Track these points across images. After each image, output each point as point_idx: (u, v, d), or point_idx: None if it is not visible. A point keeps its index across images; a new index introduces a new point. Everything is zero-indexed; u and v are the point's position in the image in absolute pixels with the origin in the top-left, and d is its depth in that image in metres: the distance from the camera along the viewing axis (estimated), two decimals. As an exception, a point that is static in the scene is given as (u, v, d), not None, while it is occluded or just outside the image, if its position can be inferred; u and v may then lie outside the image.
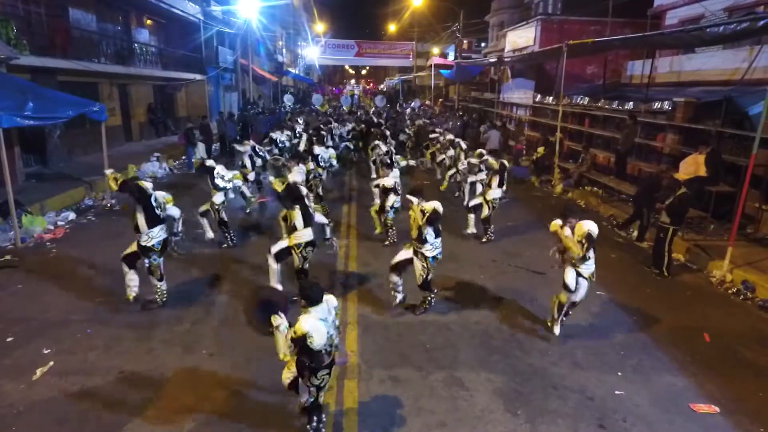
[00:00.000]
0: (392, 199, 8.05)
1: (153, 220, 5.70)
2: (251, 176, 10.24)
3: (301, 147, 11.87)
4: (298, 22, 44.01)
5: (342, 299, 6.35)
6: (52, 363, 4.82)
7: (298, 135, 15.00)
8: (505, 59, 22.30)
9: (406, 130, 19.11)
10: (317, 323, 3.47)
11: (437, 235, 5.72)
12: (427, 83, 37.22)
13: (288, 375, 3.73)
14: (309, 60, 49.00)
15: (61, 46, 13.43)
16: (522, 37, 23.27)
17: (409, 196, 5.81)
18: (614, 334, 5.68)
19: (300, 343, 3.40)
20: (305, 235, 5.84)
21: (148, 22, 20.26)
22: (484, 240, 8.71)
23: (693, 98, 10.71)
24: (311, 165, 9.69)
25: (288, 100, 30.94)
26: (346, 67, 73.49)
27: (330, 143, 14.35)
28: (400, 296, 5.98)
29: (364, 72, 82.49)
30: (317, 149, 10.17)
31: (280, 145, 13.15)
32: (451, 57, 39.68)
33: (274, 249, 5.97)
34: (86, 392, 4.42)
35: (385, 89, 52.51)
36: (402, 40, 48.55)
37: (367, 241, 8.59)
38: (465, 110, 26.66)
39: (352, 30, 57.36)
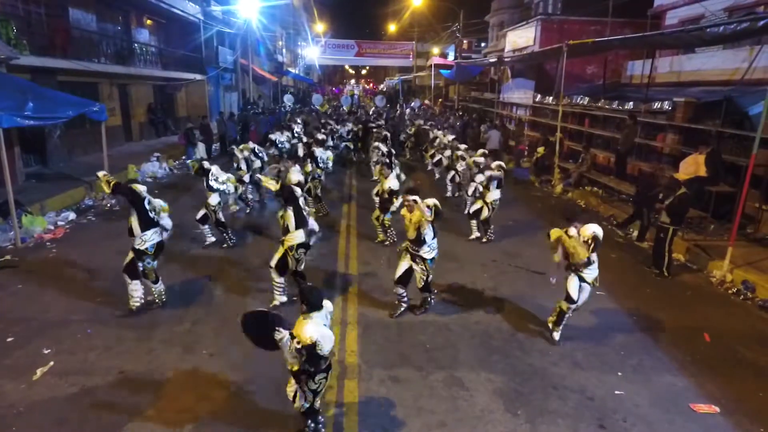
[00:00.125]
0: (399, 202, 7.98)
1: (147, 223, 5.65)
2: (246, 178, 10.26)
3: (300, 152, 11.83)
4: (298, 22, 44.00)
5: (342, 299, 6.36)
6: (52, 363, 4.82)
7: (296, 135, 15.00)
8: (505, 59, 22.31)
9: (407, 131, 19.13)
10: (323, 329, 3.47)
11: (435, 235, 5.71)
12: (427, 83, 37.20)
13: (292, 388, 3.73)
14: (309, 60, 48.99)
15: (61, 46, 13.43)
16: (522, 37, 23.28)
17: (410, 196, 5.69)
18: (614, 335, 5.68)
19: (309, 351, 3.38)
20: (297, 236, 5.83)
21: (148, 22, 20.26)
22: (484, 240, 8.71)
23: (693, 98, 10.71)
24: (309, 167, 9.70)
25: (288, 100, 30.94)
26: (346, 67, 73.50)
27: (330, 143, 14.38)
28: (404, 307, 5.95)
29: (364, 72, 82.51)
30: (316, 150, 10.17)
31: (279, 145, 13.16)
32: (451, 57, 39.67)
33: (273, 262, 5.93)
34: (86, 392, 4.42)
35: (385, 89, 52.49)
36: (402, 40, 48.53)
37: (367, 241, 8.59)
38: (465, 110, 26.66)
39: (352, 30, 57.48)
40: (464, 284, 6.94)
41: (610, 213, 10.59)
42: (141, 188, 5.73)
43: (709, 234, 8.74)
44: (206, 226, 8.12)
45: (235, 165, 10.40)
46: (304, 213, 6.02)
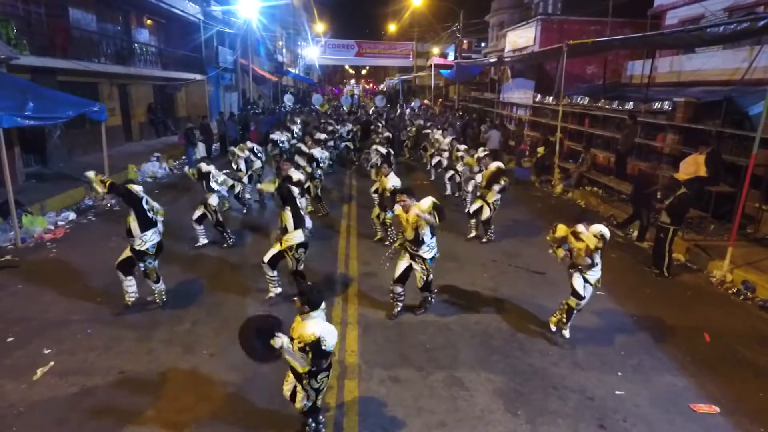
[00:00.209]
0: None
1: (146, 224, 5.62)
2: (246, 178, 10.25)
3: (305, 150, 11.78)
4: (298, 22, 44.01)
5: (342, 299, 6.37)
6: (52, 363, 4.82)
7: (295, 136, 14.98)
8: (505, 59, 22.30)
9: (407, 130, 19.15)
10: (324, 325, 3.48)
11: (433, 234, 5.69)
12: (427, 83, 37.18)
13: (288, 387, 3.73)
14: (309, 60, 48.99)
15: (61, 46, 13.43)
16: (522, 37, 23.27)
17: (405, 196, 5.65)
18: (614, 335, 5.68)
19: (314, 347, 3.37)
20: (296, 236, 5.84)
21: (148, 22, 20.27)
22: (484, 240, 8.71)
23: (693, 98, 10.71)
24: (309, 168, 9.70)
25: (288, 100, 30.94)
26: (346, 67, 73.50)
27: (330, 143, 14.39)
28: (400, 306, 5.95)
29: (364, 72, 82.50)
30: (316, 152, 10.16)
31: (280, 145, 13.16)
32: (451, 57, 39.65)
33: (267, 257, 5.96)
34: (86, 392, 4.42)
35: (385, 89, 52.49)
36: (402, 40, 48.53)
37: (367, 240, 8.59)
38: (465, 110, 26.67)
39: (352, 30, 57.47)
40: (464, 284, 6.94)
41: (610, 213, 10.59)
42: (137, 188, 5.70)
43: (709, 234, 8.74)
44: (201, 227, 8.11)
45: (235, 166, 10.39)
46: (302, 212, 6.03)
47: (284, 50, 41.49)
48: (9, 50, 10.45)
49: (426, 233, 5.56)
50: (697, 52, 14.02)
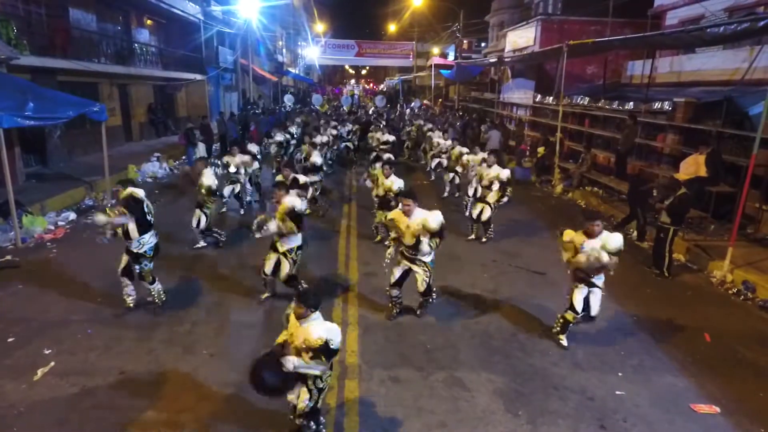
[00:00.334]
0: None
1: (144, 226, 5.62)
2: (243, 179, 10.24)
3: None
4: (298, 22, 43.99)
5: (342, 299, 6.36)
6: (53, 363, 4.82)
7: (294, 136, 14.93)
8: (505, 59, 22.31)
9: (406, 129, 19.15)
10: (327, 324, 3.48)
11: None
12: (427, 83, 37.20)
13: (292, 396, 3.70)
14: (309, 60, 48.97)
15: (61, 46, 13.43)
16: (522, 37, 23.27)
17: (409, 200, 5.45)
18: (615, 335, 5.68)
19: (324, 350, 3.36)
20: (296, 239, 5.86)
21: (148, 22, 20.26)
22: (484, 240, 8.71)
23: (693, 98, 10.71)
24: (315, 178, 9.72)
25: (288, 100, 30.95)
26: (346, 67, 73.47)
27: (330, 144, 14.39)
28: (398, 308, 5.93)
29: (364, 72, 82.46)
30: (315, 158, 10.11)
31: (284, 145, 13.15)
32: (451, 57, 39.66)
33: (269, 269, 5.91)
34: (87, 393, 4.42)
35: (385, 89, 52.50)
36: (402, 40, 48.51)
37: (367, 241, 8.59)
38: (465, 110, 26.66)
39: (352, 30, 57.42)
40: (464, 284, 6.94)
41: (610, 213, 10.59)
42: (140, 193, 5.67)
43: (710, 234, 8.74)
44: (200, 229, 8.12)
45: (233, 169, 10.33)
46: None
47: (284, 50, 41.49)
48: (9, 50, 10.45)
49: (425, 240, 5.42)
50: (698, 53, 14.02)
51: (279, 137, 13.30)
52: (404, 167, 15.42)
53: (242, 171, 10.28)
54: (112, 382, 4.57)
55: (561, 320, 5.37)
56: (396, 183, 7.76)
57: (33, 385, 4.51)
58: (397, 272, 5.72)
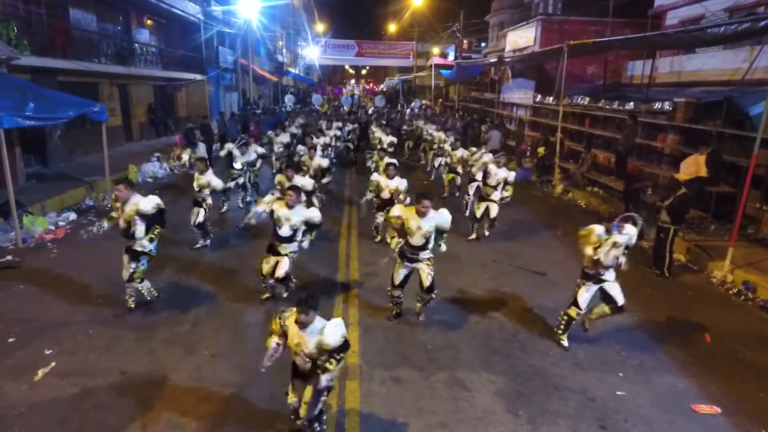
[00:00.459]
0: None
1: (150, 228, 5.70)
2: (241, 180, 10.24)
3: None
4: (298, 22, 44.02)
5: (343, 300, 6.36)
6: (53, 364, 4.82)
7: (296, 137, 14.93)
8: (506, 59, 22.30)
9: (406, 128, 19.17)
10: (331, 322, 3.48)
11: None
12: (427, 83, 37.19)
13: (294, 397, 3.73)
14: (309, 60, 49.01)
15: (62, 46, 13.43)
16: (522, 37, 23.26)
17: (426, 201, 5.36)
18: (615, 335, 5.68)
19: (343, 345, 3.44)
20: (296, 245, 5.90)
21: (149, 22, 20.26)
22: (487, 234, 8.77)
23: (693, 98, 10.71)
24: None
25: (289, 100, 30.96)
26: (346, 67, 73.47)
27: (330, 144, 14.40)
28: (399, 309, 5.92)
29: (364, 72, 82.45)
30: (318, 160, 10.11)
31: (286, 145, 13.15)
32: (451, 57, 39.65)
33: (266, 271, 5.94)
34: (88, 393, 4.42)
35: (385, 89, 52.49)
36: (402, 40, 48.51)
37: (368, 241, 8.59)
38: (465, 110, 26.65)
39: (352, 30, 57.39)
40: (465, 284, 6.94)
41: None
42: (160, 202, 5.77)
43: (710, 234, 8.74)
44: (198, 231, 8.14)
45: (237, 165, 10.37)
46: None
47: (284, 50, 41.50)
48: (9, 50, 10.45)
49: (431, 239, 5.51)
50: (698, 53, 14.02)
51: (285, 138, 13.29)
52: (404, 167, 15.40)
53: (238, 165, 10.29)
54: (112, 383, 4.57)
55: (565, 317, 5.36)
56: (402, 183, 7.80)
57: (34, 386, 4.51)
58: (401, 274, 5.71)
